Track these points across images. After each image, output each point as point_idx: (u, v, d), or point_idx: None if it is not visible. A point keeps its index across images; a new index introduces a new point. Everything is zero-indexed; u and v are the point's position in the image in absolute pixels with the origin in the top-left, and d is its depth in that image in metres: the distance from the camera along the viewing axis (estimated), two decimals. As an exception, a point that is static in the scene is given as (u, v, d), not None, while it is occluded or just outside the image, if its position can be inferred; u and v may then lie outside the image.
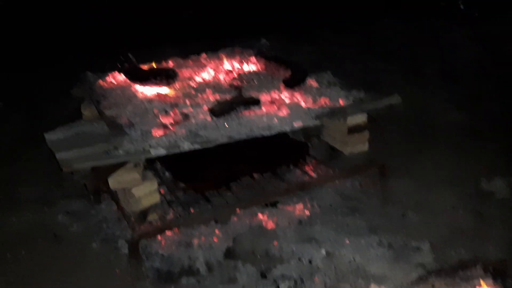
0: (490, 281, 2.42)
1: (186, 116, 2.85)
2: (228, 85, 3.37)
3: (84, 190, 3.53)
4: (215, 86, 3.36)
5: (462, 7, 7.92)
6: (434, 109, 4.91)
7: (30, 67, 5.91)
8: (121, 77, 3.46)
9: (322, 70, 3.63)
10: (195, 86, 3.34)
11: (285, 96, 3.18)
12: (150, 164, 3.40)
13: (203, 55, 3.86)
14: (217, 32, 6.22)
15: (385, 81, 5.21)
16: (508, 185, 3.47)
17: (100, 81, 3.45)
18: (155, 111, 2.92)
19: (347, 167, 3.37)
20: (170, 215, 3.07)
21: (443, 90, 5.32)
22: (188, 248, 3.02)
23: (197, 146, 2.61)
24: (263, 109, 3.00)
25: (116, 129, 2.78)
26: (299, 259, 2.92)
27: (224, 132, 2.75)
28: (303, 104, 3.11)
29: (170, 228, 2.96)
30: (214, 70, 3.61)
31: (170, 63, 3.73)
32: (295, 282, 2.74)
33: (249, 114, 2.93)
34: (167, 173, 3.39)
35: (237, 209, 3.22)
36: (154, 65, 3.52)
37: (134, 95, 3.19)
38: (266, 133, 2.81)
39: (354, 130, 3.26)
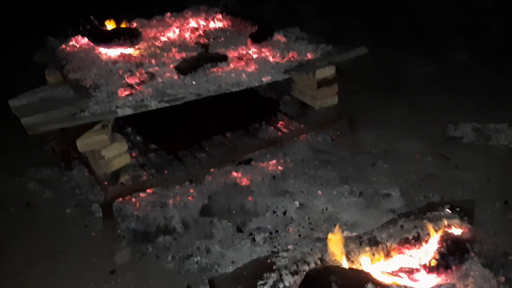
0: (457, 220, 2.51)
1: (152, 75, 2.80)
2: (194, 43, 3.31)
3: (55, 157, 3.49)
4: (181, 44, 3.29)
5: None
6: (402, 61, 4.97)
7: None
8: (84, 40, 3.36)
9: (291, 25, 3.60)
10: (160, 45, 3.27)
11: (253, 51, 3.15)
12: (121, 129, 3.37)
13: (168, 14, 3.77)
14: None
15: (353, 37, 5.21)
16: (473, 129, 3.56)
17: (63, 46, 3.35)
18: (120, 72, 2.85)
19: (317, 121, 3.40)
20: (144, 177, 3.06)
21: (411, 43, 5.37)
22: (163, 208, 3.04)
23: (164, 104, 2.58)
24: (231, 65, 2.96)
25: (82, 91, 2.72)
26: (274, 212, 2.98)
27: (192, 89, 2.72)
28: (271, 59, 3.09)
29: (143, 189, 2.97)
30: (179, 29, 3.53)
31: (134, 24, 3.64)
32: (270, 233, 2.80)
33: (217, 70, 2.90)
34: (138, 137, 3.37)
35: (211, 168, 3.24)
36: (115, 25, 3.41)
37: (98, 57, 3.10)
38: (235, 89, 2.79)
39: (323, 83, 3.27)
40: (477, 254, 2.39)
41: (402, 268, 2.22)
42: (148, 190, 3.12)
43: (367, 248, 2.30)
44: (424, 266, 2.22)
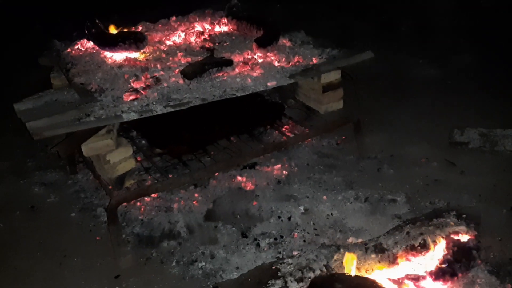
0: (463, 227, 2.50)
1: (157, 80, 2.80)
2: (199, 47, 3.31)
3: (60, 161, 3.49)
4: (186, 49, 3.29)
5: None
6: (408, 64, 4.94)
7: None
8: (89, 44, 3.37)
9: (296, 28, 3.59)
10: (165, 50, 3.27)
11: (258, 56, 3.15)
12: (126, 132, 3.37)
13: (173, 18, 3.77)
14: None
15: (359, 38, 5.19)
16: (480, 134, 3.54)
17: (69, 49, 3.36)
18: (126, 76, 2.85)
19: (322, 125, 3.39)
20: (148, 182, 3.06)
21: (417, 45, 5.35)
22: (168, 212, 3.04)
23: (169, 109, 2.58)
24: (236, 70, 2.96)
25: (87, 96, 2.72)
26: (279, 217, 2.97)
27: (197, 94, 2.72)
28: (276, 63, 3.08)
29: (147, 193, 2.96)
30: (185, 33, 3.53)
31: (140, 28, 3.64)
32: (275, 239, 2.79)
33: (222, 75, 2.90)
34: (143, 141, 3.37)
35: (216, 172, 3.23)
36: (120, 29, 3.41)
37: (103, 61, 3.11)
38: (240, 93, 2.78)
39: (328, 88, 3.27)
40: (483, 261, 2.38)
41: (408, 275, 2.22)
42: (153, 194, 3.12)
43: (373, 255, 2.30)
44: (430, 273, 2.21)
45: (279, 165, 3.45)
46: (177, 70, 2.92)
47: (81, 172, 3.46)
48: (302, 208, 3.02)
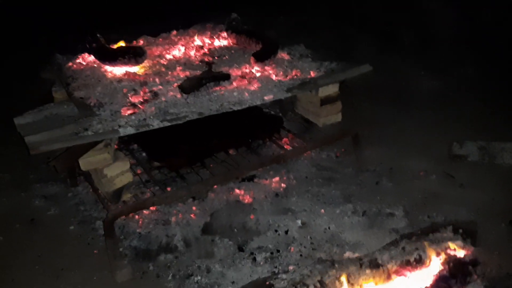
0: (460, 242, 2.48)
1: (155, 94, 2.82)
2: (199, 61, 3.34)
3: (61, 174, 3.51)
4: (185, 63, 3.32)
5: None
6: (408, 76, 4.94)
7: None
8: (90, 58, 3.41)
9: (298, 40, 3.62)
10: (165, 64, 3.30)
11: (256, 70, 3.17)
12: (126, 145, 3.40)
13: (173, 32, 3.81)
14: (188, 7, 6.13)
15: (360, 49, 5.20)
16: (479, 148, 3.53)
17: (70, 63, 3.40)
18: (125, 90, 2.89)
19: (321, 138, 3.39)
20: (147, 195, 3.08)
21: (418, 57, 5.35)
22: (165, 226, 3.04)
23: (166, 124, 2.60)
24: (234, 83, 2.98)
25: (85, 110, 2.75)
26: (276, 230, 2.96)
27: (195, 108, 2.74)
28: (274, 77, 3.10)
29: (144, 207, 2.98)
30: (184, 46, 3.57)
31: (140, 42, 3.69)
32: (271, 253, 2.79)
33: (220, 89, 2.92)
34: (143, 154, 3.39)
35: (213, 185, 3.24)
36: (122, 43, 3.45)
37: (103, 75, 3.14)
38: (237, 107, 2.80)
39: (326, 101, 3.28)
40: (480, 276, 2.36)
41: (402, 291, 2.20)
42: (150, 208, 3.13)
43: (368, 271, 2.29)
44: (425, 290, 2.20)
45: (277, 178, 3.45)
46: (175, 84, 2.95)
47: (82, 184, 3.48)
48: (299, 221, 3.02)
